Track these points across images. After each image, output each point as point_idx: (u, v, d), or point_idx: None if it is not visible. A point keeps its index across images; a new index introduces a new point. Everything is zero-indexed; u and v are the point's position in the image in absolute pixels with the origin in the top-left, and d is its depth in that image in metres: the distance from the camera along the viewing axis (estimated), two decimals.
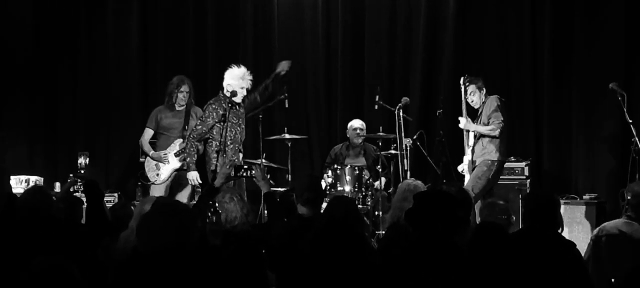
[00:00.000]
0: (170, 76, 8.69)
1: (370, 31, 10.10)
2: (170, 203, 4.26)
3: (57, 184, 9.26)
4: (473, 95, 8.14)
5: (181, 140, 8.21)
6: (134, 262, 3.75)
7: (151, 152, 8.35)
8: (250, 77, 7.80)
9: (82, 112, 10.34)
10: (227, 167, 5.96)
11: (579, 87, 9.33)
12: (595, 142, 9.25)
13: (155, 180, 8.29)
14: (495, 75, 9.39)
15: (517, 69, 9.63)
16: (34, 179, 8.95)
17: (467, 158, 8.11)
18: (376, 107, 8.84)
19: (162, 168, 8.28)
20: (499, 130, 7.97)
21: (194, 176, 7.74)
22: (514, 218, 6.99)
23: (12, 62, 10.07)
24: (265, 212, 6.95)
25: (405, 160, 8.48)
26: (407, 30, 9.99)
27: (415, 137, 8.72)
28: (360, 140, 9.32)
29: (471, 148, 8.07)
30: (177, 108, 8.34)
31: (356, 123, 9.38)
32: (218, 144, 7.54)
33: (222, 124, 7.54)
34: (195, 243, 3.79)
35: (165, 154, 8.27)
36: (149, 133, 8.45)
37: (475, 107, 8.17)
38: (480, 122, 8.09)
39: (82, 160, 8.60)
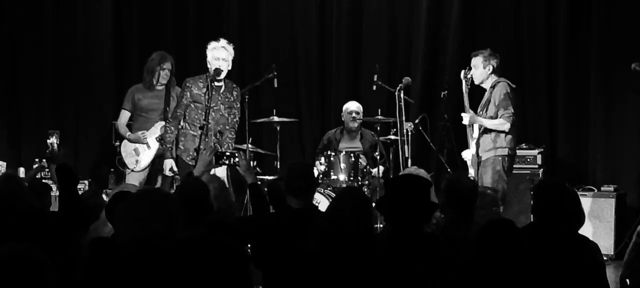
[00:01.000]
0: (147, 52, 8.49)
1: (368, 3, 9.95)
2: (154, 190, 4.15)
3: (21, 169, 9.08)
4: (476, 69, 7.78)
5: (162, 124, 7.97)
6: (110, 254, 3.64)
7: (128, 134, 8.12)
8: (228, 46, 7.54)
9: (48, 91, 10.19)
10: (208, 153, 5.79)
11: (597, 67, 9.22)
12: (615, 128, 9.13)
13: (134, 168, 8.06)
14: (505, 53, 9.18)
15: (530, 48, 9.52)
16: None
17: (471, 152, 7.79)
18: (374, 87, 8.69)
19: (142, 154, 8.03)
20: (509, 124, 7.57)
21: (168, 164, 7.49)
22: (502, 209, 6.86)
23: None
24: (250, 203, 6.80)
25: (406, 147, 8.33)
26: (408, 2, 9.86)
27: (417, 121, 8.56)
28: (356, 125, 9.18)
29: (475, 140, 7.73)
30: (157, 88, 8.11)
31: (352, 105, 9.23)
32: (200, 125, 7.33)
33: (201, 109, 7.33)
34: (178, 234, 3.69)
35: (145, 136, 8.05)
36: (125, 115, 8.18)
37: (476, 82, 7.81)
38: (486, 112, 7.68)
39: (52, 140, 8.27)
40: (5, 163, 8.93)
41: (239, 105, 7.64)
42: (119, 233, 3.68)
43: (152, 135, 8.00)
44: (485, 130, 7.63)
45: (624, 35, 9.09)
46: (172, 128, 7.53)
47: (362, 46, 10.03)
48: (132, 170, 8.03)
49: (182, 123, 7.51)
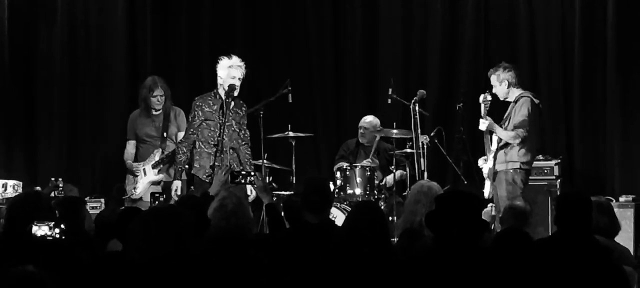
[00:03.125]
0: (161, 69, 8.58)
1: (383, 16, 10.01)
2: (167, 207, 4.21)
3: (37, 189, 9.16)
4: (495, 87, 7.85)
5: (160, 150, 8.10)
6: (124, 271, 3.73)
7: (127, 163, 8.26)
8: (241, 64, 7.63)
9: (64, 110, 10.24)
10: (223, 172, 5.83)
11: (613, 76, 9.22)
12: (633, 137, 9.14)
13: (132, 195, 8.19)
14: (521, 63, 9.27)
15: (545, 57, 9.55)
16: (12, 183, 8.86)
17: (488, 165, 7.84)
18: (389, 101, 8.73)
19: (139, 181, 8.19)
20: (519, 139, 7.65)
21: (175, 185, 7.57)
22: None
23: None
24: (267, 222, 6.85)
25: (422, 160, 8.36)
26: (423, 15, 9.91)
27: (432, 133, 8.59)
28: (364, 141, 9.22)
29: (493, 153, 7.79)
30: (154, 113, 8.23)
31: (362, 121, 9.29)
32: (215, 143, 7.41)
33: (219, 124, 7.41)
34: (191, 251, 3.75)
35: (137, 166, 8.17)
36: (130, 144, 8.35)
37: (501, 99, 7.91)
38: (506, 126, 7.78)
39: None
40: (21, 183, 9.01)
41: (246, 120, 7.73)
42: (131, 250, 3.74)
43: (149, 162, 8.10)
44: (501, 145, 7.68)
45: None
46: (184, 149, 7.61)
47: (377, 59, 10.07)
48: (130, 197, 8.13)
49: (196, 142, 7.57)
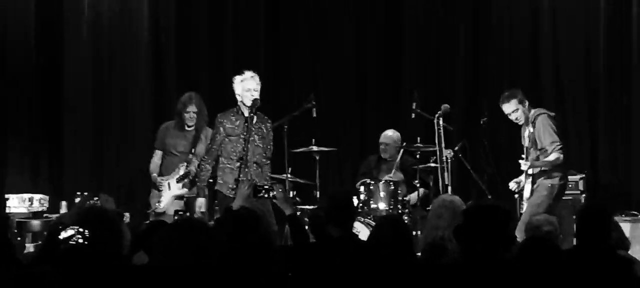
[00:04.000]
0: (184, 85, 8.64)
1: (406, 30, 10.05)
2: (190, 220, 4.25)
3: (64, 203, 9.21)
4: (516, 113, 7.91)
5: (185, 165, 8.16)
6: (146, 279, 3.78)
7: (152, 176, 8.33)
8: (255, 76, 7.64)
9: (89, 125, 10.30)
10: (246, 187, 5.86)
11: (638, 88, 9.19)
12: None
13: (156, 208, 8.24)
14: (546, 78, 9.28)
15: (569, 72, 9.53)
16: (38, 197, 8.92)
17: (527, 191, 7.87)
18: (413, 115, 8.73)
19: (163, 195, 8.24)
20: (561, 155, 7.72)
21: (200, 202, 7.65)
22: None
23: (13, 70, 10.07)
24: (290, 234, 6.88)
25: (446, 174, 8.36)
26: (447, 30, 9.94)
27: (456, 148, 8.59)
28: (386, 155, 9.23)
29: (531, 178, 7.83)
30: (187, 129, 8.31)
31: (382, 136, 9.31)
32: (239, 157, 7.46)
33: (242, 139, 7.45)
34: (213, 263, 3.78)
35: (162, 180, 8.24)
36: (157, 154, 8.43)
37: (520, 123, 7.95)
38: (537, 150, 7.82)
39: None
40: (48, 197, 9.07)
41: (271, 137, 7.75)
42: (155, 261, 3.78)
43: (174, 176, 8.16)
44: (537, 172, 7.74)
45: None
46: (207, 166, 7.69)
47: (401, 73, 10.10)
48: (154, 211, 8.18)
49: (219, 158, 7.62)
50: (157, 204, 8.23)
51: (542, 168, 7.72)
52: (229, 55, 10.38)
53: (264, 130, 7.71)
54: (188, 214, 7.29)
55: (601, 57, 9.38)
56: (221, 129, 7.64)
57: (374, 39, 10.22)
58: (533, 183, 7.76)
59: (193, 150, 8.19)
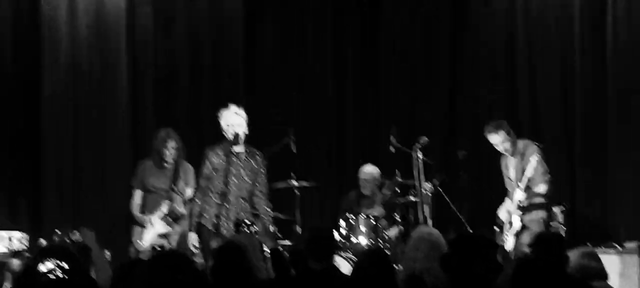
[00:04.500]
0: (162, 118, 8.63)
1: (384, 62, 10.11)
2: (168, 253, 4.23)
3: (43, 241, 9.14)
4: (504, 144, 8.04)
5: (168, 202, 8.14)
6: None
7: (136, 215, 8.31)
8: (239, 111, 7.67)
9: (69, 160, 10.24)
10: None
11: (615, 121, 9.28)
12: (637, 183, 9.16)
13: (138, 247, 8.21)
14: (523, 110, 9.35)
15: (547, 105, 9.60)
16: (18, 236, 8.84)
17: (516, 222, 7.96)
18: (392, 149, 8.75)
19: (145, 233, 8.22)
20: (549, 187, 8.03)
21: (192, 237, 7.64)
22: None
23: None
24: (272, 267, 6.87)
25: (425, 207, 8.38)
26: (425, 62, 10.02)
27: (435, 181, 8.62)
28: (366, 191, 9.25)
29: (520, 211, 7.95)
30: (165, 165, 8.29)
31: (361, 171, 9.32)
32: (218, 194, 7.47)
33: (225, 175, 7.45)
34: None
35: (143, 218, 8.23)
36: (137, 194, 8.40)
37: (507, 153, 8.07)
38: (525, 179, 7.99)
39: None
40: (28, 236, 8.99)
41: (264, 171, 7.74)
42: None
43: (157, 214, 8.14)
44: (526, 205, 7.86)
45: None
46: (198, 201, 7.68)
47: (380, 107, 10.14)
48: (136, 249, 8.16)
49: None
50: (139, 242, 8.19)
51: (532, 202, 7.86)
52: (206, 92, 10.36)
53: (254, 165, 7.71)
54: (167, 247, 7.25)
55: (577, 89, 9.44)
56: (208, 163, 7.65)
57: (351, 72, 10.25)
58: (523, 214, 7.89)
59: (173, 187, 8.16)
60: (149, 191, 8.31)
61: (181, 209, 8.04)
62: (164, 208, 8.14)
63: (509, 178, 8.07)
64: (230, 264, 4.59)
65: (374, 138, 10.09)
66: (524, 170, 7.92)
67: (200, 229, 7.62)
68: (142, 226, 8.23)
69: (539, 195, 7.93)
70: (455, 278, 4.24)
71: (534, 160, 7.90)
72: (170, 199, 8.11)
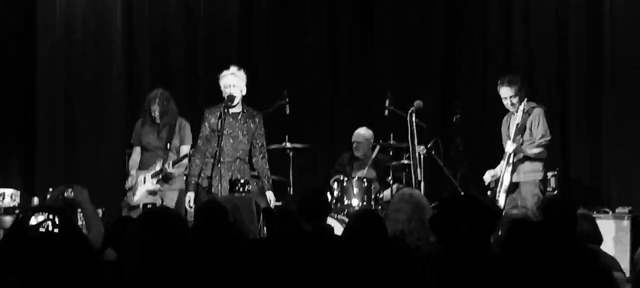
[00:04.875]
0: (158, 80, 8.62)
1: (379, 26, 10.08)
2: (157, 210, 4.23)
3: (35, 199, 9.14)
4: (513, 98, 7.98)
5: (161, 161, 8.12)
6: (122, 273, 3.77)
7: (131, 172, 8.30)
8: (238, 72, 7.67)
9: (60, 120, 10.22)
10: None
11: (609, 85, 9.28)
12: (629, 149, 9.20)
13: (130, 202, 8.22)
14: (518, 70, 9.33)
15: (542, 69, 9.59)
16: (9, 192, 8.84)
17: (506, 179, 7.93)
18: (386, 112, 8.73)
19: (137, 189, 8.22)
20: (546, 151, 7.94)
21: (189, 196, 7.66)
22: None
23: None
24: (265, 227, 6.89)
25: (418, 170, 8.37)
26: (421, 26, 9.99)
27: (429, 145, 8.60)
28: (359, 153, 9.25)
29: (511, 167, 7.91)
30: (158, 122, 8.24)
31: (355, 134, 9.31)
32: (213, 152, 7.47)
33: (217, 135, 7.46)
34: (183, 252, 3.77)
35: (138, 174, 8.21)
36: (136, 151, 8.38)
37: (513, 110, 8.01)
38: (522, 137, 7.93)
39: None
40: (19, 192, 8.99)
41: (262, 131, 7.75)
42: (126, 256, 3.76)
43: (150, 171, 8.11)
44: (522, 157, 7.79)
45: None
46: (197, 161, 7.70)
47: (372, 70, 10.12)
48: (128, 203, 8.16)
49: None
50: (132, 197, 8.19)
51: (525, 156, 7.81)
52: (201, 52, 10.34)
53: (252, 126, 7.71)
54: (158, 204, 7.25)
55: (572, 56, 9.43)
56: (206, 124, 7.67)
57: (346, 36, 10.22)
58: (513, 172, 7.84)
59: (168, 145, 8.13)
60: (145, 149, 8.29)
61: (172, 169, 8.01)
62: (157, 166, 8.12)
63: (508, 136, 8.02)
64: (211, 224, 4.59)
65: (368, 101, 10.06)
66: (523, 127, 7.87)
67: (197, 189, 7.63)
68: (135, 182, 8.22)
69: (535, 153, 7.85)
70: (443, 239, 4.23)
71: (535, 116, 7.84)
72: (164, 158, 8.09)
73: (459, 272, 4.00)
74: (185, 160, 7.95)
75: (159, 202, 8.00)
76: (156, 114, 8.14)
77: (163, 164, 8.07)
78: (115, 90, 10.25)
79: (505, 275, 3.95)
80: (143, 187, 8.18)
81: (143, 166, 8.29)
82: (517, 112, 7.96)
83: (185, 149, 8.12)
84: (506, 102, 8.01)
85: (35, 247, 3.71)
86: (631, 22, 9.22)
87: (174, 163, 7.98)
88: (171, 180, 8.09)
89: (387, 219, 5.62)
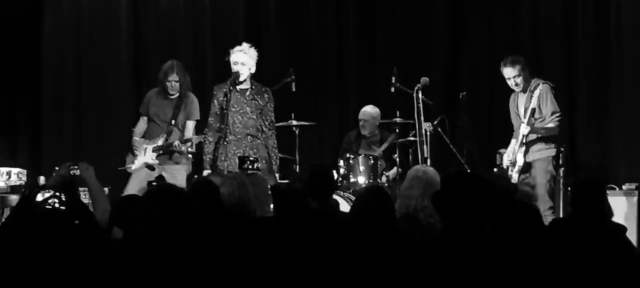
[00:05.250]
0: (164, 57, 8.61)
1: (385, 3, 10.03)
2: (162, 187, 4.24)
3: (42, 178, 9.16)
4: (517, 78, 7.96)
5: (165, 136, 8.10)
6: (129, 251, 3.78)
7: (134, 138, 8.28)
8: (248, 50, 7.65)
9: (69, 99, 10.24)
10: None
11: (616, 63, 9.24)
12: (637, 125, 9.15)
13: (129, 167, 8.21)
14: (525, 52, 9.28)
15: (549, 46, 9.55)
16: (16, 171, 8.86)
17: (519, 157, 7.91)
18: (392, 89, 8.70)
19: (138, 158, 8.20)
20: (558, 127, 7.94)
21: (205, 174, 7.59)
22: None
23: None
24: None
25: (425, 147, 8.35)
26: (427, 2, 9.94)
27: (436, 122, 8.59)
28: (365, 131, 9.25)
29: (524, 147, 7.89)
30: (170, 96, 8.23)
31: (361, 112, 9.30)
32: (219, 128, 7.48)
33: (225, 111, 7.46)
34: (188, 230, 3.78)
35: (137, 145, 8.19)
36: (143, 120, 8.33)
37: (518, 90, 8.00)
38: (534, 118, 7.90)
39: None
40: (25, 171, 9.01)
41: (272, 108, 7.74)
42: (136, 233, 3.75)
43: (152, 143, 8.10)
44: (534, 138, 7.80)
45: None
46: (210, 139, 7.72)
47: (378, 47, 10.08)
48: (127, 169, 8.15)
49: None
50: (130, 164, 8.17)
51: (539, 135, 7.81)
52: (207, 31, 10.32)
53: (260, 102, 7.71)
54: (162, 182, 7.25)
55: (580, 32, 9.39)
56: (215, 101, 7.69)
57: (353, 13, 10.16)
58: (526, 152, 7.84)
59: (173, 121, 8.11)
60: (152, 120, 8.25)
61: (183, 147, 7.99)
62: (159, 141, 8.10)
63: (518, 115, 8.00)
64: (203, 200, 4.61)
65: (375, 78, 10.03)
66: (532, 107, 7.85)
67: (213, 166, 7.63)
68: (136, 150, 8.20)
69: (548, 129, 7.85)
70: (446, 216, 4.23)
71: (542, 93, 7.83)
72: (169, 133, 8.06)
73: (461, 251, 3.99)
74: (194, 138, 7.93)
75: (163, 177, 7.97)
76: (173, 84, 8.09)
77: (166, 140, 8.06)
78: (122, 68, 10.24)
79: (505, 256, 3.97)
80: (142, 158, 8.15)
81: (147, 136, 8.26)
82: (524, 92, 7.94)
83: (190, 125, 8.10)
84: (510, 82, 8.00)
85: (41, 223, 3.74)
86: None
87: (184, 142, 7.95)
88: (176, 156, 8.06)
89: (399, 196, 5.64)
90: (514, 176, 7.92)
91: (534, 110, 7.84)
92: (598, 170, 9.14)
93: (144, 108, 8.33)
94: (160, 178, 7.57)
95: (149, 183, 7.13)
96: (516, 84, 7.96)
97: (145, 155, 8.14)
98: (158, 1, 10.33)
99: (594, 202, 4.94)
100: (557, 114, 7.90)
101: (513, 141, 8.08)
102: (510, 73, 7.96)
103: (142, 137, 8.25)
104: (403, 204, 5.50)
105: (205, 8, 10.35)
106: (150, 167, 8.08)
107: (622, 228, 4.89)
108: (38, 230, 3.72)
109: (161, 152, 8.06)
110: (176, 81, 8.10)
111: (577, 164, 9.26)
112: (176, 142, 7.93)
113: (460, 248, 4.03)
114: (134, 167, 8.17)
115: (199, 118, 8.12)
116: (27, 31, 10.17)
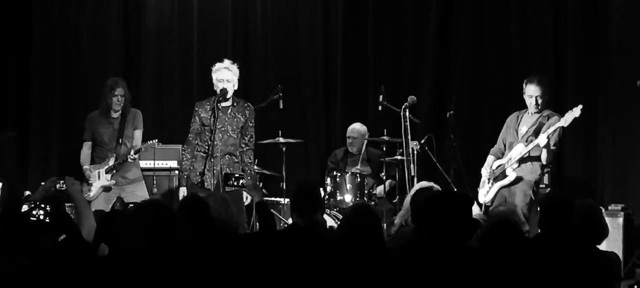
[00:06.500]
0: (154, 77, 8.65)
1: (374, 23, 10.06)
2: (153, 204, 4.25)
3: (27, 193, 9.13)
4: (541, 99, 7.82)
5: (114, 156, 8.10)
6: (116, 263, 3.82)
7: (84, 168, 8.26)
8: (232, 66, 7.63)
9: (58, 109, 10.22)
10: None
11: (604, 84, 9.31)
12: (623, 147, 9.21)
13: (88, 196, 8.14)
14: (514, 74, 9.32)
15: (538, 66, 9.58)
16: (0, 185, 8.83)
17: (510, 171, 7.91)
18: (380, 108, 8.73)
19: (93, 185, 8.19)
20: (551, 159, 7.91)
21: (181, 191, 7.60)
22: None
23: None
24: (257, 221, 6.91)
25: (412, 166, 8.38)
26: (415, 22, 9.96)
27: (423, 141, 8.62)
28: (353, 149, 9.26)
29: (516, 165, 7.89)
30: (113, 115, 8.22)
31: (349, 130, 9.33)
32: (205, 149, 7.44)
33: (208, 131, 7.44)
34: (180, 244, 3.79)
35: (89, 173, 8.18)
36: (87, 146, 8.31)
37: (533, 109, 7.90)
38: (535, 138, 7.79)
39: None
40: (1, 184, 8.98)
41: (252, 123, 7.68)
42: (124, 245, 3.78)
43: (103, 167, 8.09)
44: (527, 157, 7.79)
45: (631, 53, 9.15)
46: (188, 155, 7.65)
47: (368, 66, 10.11)
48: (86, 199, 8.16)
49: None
50: (88, 193, 8.14)
51: (530, 155, 7.80)
52: (196, 44, 10.34)
53: (241, 119, 7.62)
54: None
55: (568, 51, 9.44)
56: (197, 118, 7.61)
57: (341, 31, 10.19)
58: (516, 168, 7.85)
59: (120, 139, 8.10)
60: (98, 143, 8.23)
61: (135, 155, 8.02)
62: (110, 161, 8.10)
63: (516, 132, 7.93)
64: (193, 218, 4.62)
65: (363, 96, 10.05)
66: (538, 130, 7.80)
67: (188, 184, 7.60)
68: (89, 179, 8.18)
69: (550, 154, 7.81)
70: (431, 235, 4.26)
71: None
72: (117, 153, 8.07)
73: (434, 268, 4.03)
74: (143, 146, 7.98)
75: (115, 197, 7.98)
76: (119, 99, 8.09)
77: (116, 159, 8.05)
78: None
79: (482, 270, 4.00)
80: (98, 183, 8.15)
81: (97, 160, 8.24)
82: (538, 113, 7.87)
83: (138, 134, 8.13)
84: (531, 101, 7.84)
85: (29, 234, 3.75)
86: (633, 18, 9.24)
87: (137, 152, 7.99)
88: (129, 173, 8.07)
89: (403, 207, 5.74)
90: (493, 189, 7.94)
91: (538, 131, 7.79)
92: (583, 191, 9.17)
93: (87, 134, 8.30)
94: (120, 200, 7.61)
95: (126, 205, 7.13)
96: (537, 104, 7.86)
97: (100, 179, 8.14)
98: (147, 17, 10.36)
99: (561, 220, 4.89)
100: (557, 148, 7.89)
101: (491, 157, 8.08)
102: (535, 91, 7.85)
103: (91, 164, 8.24)
104: (403, 216, 5.73)
105: (193, 26, 10.37)
106: (107, 189, 8.08)
107: (597, 253, 4.86)
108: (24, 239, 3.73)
109: (114, 171, 8.05)
110: (122, 95, 8.12)
111: (564, 184, 9.29)
112: (130, 156, 7.95)
113: (446, 262, 4.07)
114: (91, 194, 8.14)
115: (143, 128, 8.17)
116: (16, 43, 10.20)
